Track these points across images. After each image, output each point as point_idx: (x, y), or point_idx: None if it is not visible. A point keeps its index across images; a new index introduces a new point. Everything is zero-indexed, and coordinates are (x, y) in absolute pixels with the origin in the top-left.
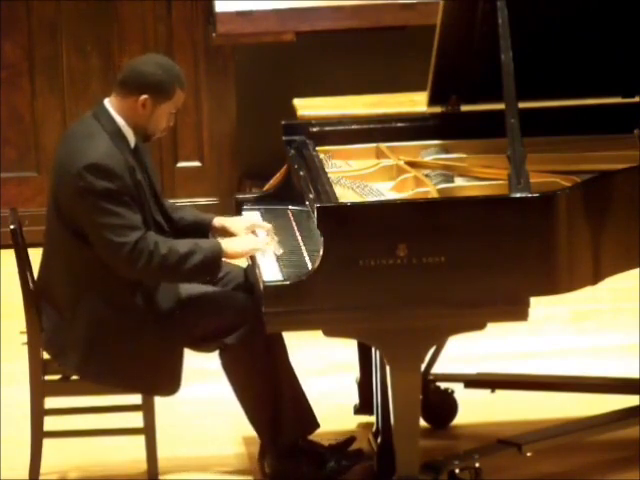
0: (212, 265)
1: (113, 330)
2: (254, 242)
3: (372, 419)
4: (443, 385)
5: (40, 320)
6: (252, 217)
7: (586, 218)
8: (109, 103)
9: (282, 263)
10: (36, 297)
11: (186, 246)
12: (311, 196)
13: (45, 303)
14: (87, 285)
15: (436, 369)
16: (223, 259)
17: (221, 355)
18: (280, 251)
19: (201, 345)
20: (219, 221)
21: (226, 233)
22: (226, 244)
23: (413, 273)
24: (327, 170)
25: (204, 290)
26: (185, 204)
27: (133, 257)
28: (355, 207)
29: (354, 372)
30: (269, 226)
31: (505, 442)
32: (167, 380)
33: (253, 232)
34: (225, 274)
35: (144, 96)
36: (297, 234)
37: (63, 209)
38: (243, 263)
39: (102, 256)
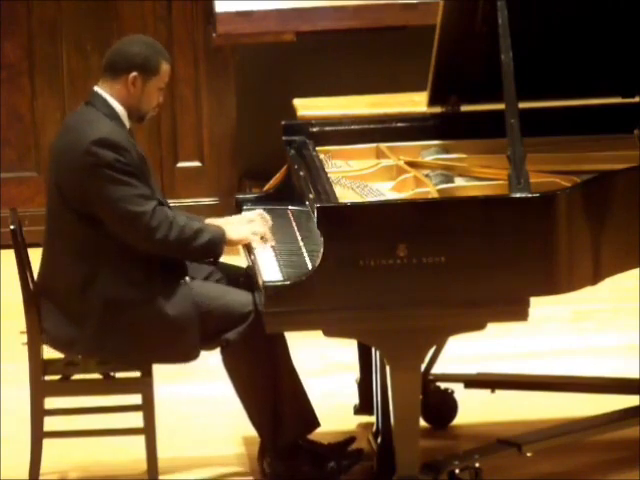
0: (217, 246)
1: (127, 306)
2: (253, 226)
3: (372, 419)
4: (443, 385)
5: (40, 320)
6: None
7: (586, 218)
8: (100, 89)
9: (282, 263)
10: (36, 297)
11: (196, 224)
12: (311, 196)
13: (46, 301)
14: (98, 267)
15: (436, 369)
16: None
17: (222, 353)
18: (273, 243)
19: (202, 343)
20: (211, 222)
21: None
22: (228, 230)
23: (413, 273)
24: (327, 170)
25: (205, 288)
26: (177, 206)
27: (152, 226)
28: (355, 207)
29: (354, 372)
30: (267, 218)
31: (505, 442)
32: (185, 346)
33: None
34: (225, 274)
35: (133, 74)
36: (297, 234)
37: (69, 194)
38: (243, 263)
39: (118, 230)
